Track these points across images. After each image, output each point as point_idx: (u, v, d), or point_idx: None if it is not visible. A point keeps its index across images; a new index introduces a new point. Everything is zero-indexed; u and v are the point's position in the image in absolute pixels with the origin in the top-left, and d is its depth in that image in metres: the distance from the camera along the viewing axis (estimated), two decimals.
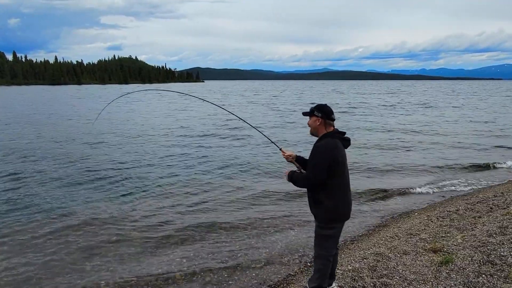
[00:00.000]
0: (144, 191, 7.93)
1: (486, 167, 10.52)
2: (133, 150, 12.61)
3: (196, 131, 17.65)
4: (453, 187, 8.50)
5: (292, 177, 3.27)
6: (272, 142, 3.91)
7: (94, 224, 6.09)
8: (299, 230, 5.94)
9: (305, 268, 4.68)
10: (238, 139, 15.21)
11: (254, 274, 4.61)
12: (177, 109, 30.69)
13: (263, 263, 4.87)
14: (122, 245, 5.39)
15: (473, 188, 8.47)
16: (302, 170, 3.33)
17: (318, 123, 3.21)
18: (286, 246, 5.37)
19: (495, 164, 10.71)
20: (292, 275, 4.54)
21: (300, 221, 6.27)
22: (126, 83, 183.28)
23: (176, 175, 9.30)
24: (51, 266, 4.79)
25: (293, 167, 3.45)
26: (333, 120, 3.22)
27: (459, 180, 9.09)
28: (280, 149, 3.52)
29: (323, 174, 3.05)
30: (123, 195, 7.61)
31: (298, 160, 3.43)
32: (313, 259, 3.50)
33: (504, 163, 10.90)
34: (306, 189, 3.32)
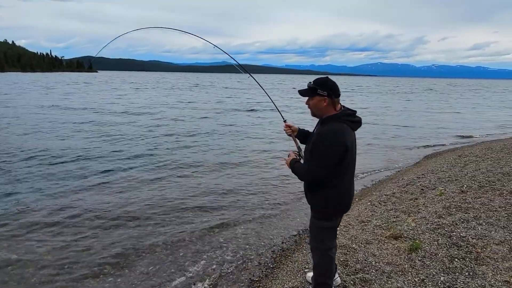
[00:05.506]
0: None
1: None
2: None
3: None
4: (374, 170, 8.95)
5: (294, 168, 2.76)
6: (279, 112, 3.48)
7: None
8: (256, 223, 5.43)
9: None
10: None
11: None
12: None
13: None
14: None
15: (393, 171, 9.01)
16: (300, 153, 2.90)
17: (325, 104, 2.57)
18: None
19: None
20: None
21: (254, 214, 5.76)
22: (2, 71, 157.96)
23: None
24: None
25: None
26: (339, 95, 2.62)
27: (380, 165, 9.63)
28: (284, 121, 3.12)
29: (324, 172, 2.55)
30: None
31: (299, 134, 3.02)
32: (310, 252, 3.07)
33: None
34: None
